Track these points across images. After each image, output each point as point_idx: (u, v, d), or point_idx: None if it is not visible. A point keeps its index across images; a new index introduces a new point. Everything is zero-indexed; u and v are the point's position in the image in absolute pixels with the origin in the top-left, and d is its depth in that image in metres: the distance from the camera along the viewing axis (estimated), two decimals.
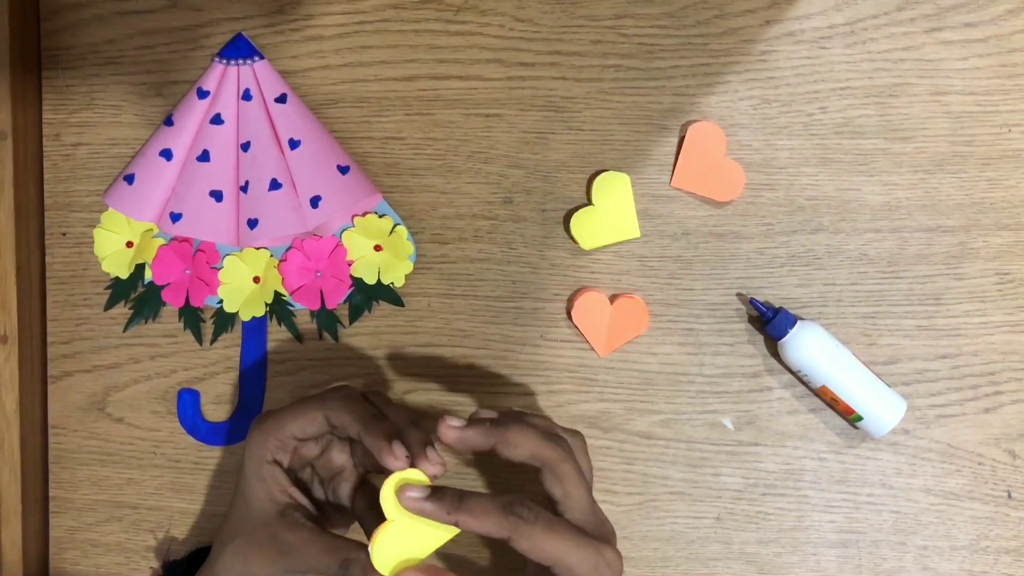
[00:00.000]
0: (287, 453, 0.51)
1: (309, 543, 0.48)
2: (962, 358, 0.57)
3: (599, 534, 0.45)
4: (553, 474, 0.45)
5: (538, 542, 0.43)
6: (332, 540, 0.48)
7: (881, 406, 0.55)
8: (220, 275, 0.60)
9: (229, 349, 0.62)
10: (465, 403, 0.60)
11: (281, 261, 0.60)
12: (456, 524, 0.43)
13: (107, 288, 0.63)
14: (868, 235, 0.57)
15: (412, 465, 0.45)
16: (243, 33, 0.61)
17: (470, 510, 0.43)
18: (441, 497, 0.44)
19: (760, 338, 0.58)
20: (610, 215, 0.58)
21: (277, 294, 0.61)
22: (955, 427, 0.57)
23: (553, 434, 0.47)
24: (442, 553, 0.55)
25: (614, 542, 0.46)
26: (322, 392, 0.52)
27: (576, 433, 0.49)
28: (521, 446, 0.45)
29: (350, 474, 0.53)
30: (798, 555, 0.58)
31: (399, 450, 0.45)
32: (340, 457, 0.53)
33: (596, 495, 0.59)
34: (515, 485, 0.60)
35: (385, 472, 0.45)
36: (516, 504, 0.43)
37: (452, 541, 0.45)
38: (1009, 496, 0.56)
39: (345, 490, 0.53)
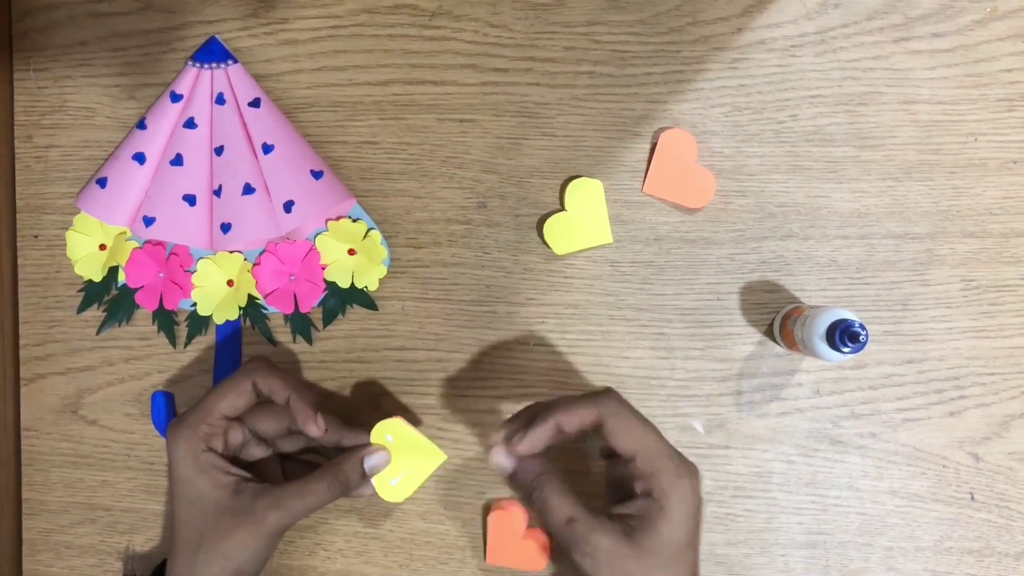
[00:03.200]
0: (219, 439, 0.52)
1: (286, 496, 0.50)
2: (928, 363, 0.58)
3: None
4: (608, 430, 0.47)
5: (626, 423, 0.47)
6: (305, 479, 0.51)
7: None
8: (194, 278, 0.60)
9: (203, 352, 0.62)
10: (438, 406, 0.60)
11: (255, 265, 0.60)
12: (559, 426, 0.47)
13: (80, 291, 0.62)
14: (837, 241, 0.58)
15: (302, 427, 0.52)
16: (217, 36, 0.60)
17: (564, 408, 0.48)
18: (534, 416, 0.48)
19: (730, 342, 0.58)
20: (583, 221, 0.58)
21: (251, 297, 0.61)
22: (921, 431, 0.58)
23: (595, 394, 0.49)
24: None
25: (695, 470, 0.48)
26: (241, 368, 0.53)
27: (607, 390, 0.50)
28: (570, 422, 0.48)
29: (272, 460, 0.55)
30: (767, 556, 0.58)
31: (321, 422, 0.52)
32: (258, 450, 0.55)
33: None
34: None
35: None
36: (603, 395, 0.48)
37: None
38: (972, 498, 0.57)
39: (271, 474, 0.55)
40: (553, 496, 0.47)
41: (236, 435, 0.53)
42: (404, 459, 0.52)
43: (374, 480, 0.52)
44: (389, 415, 0.59)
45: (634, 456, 0.47)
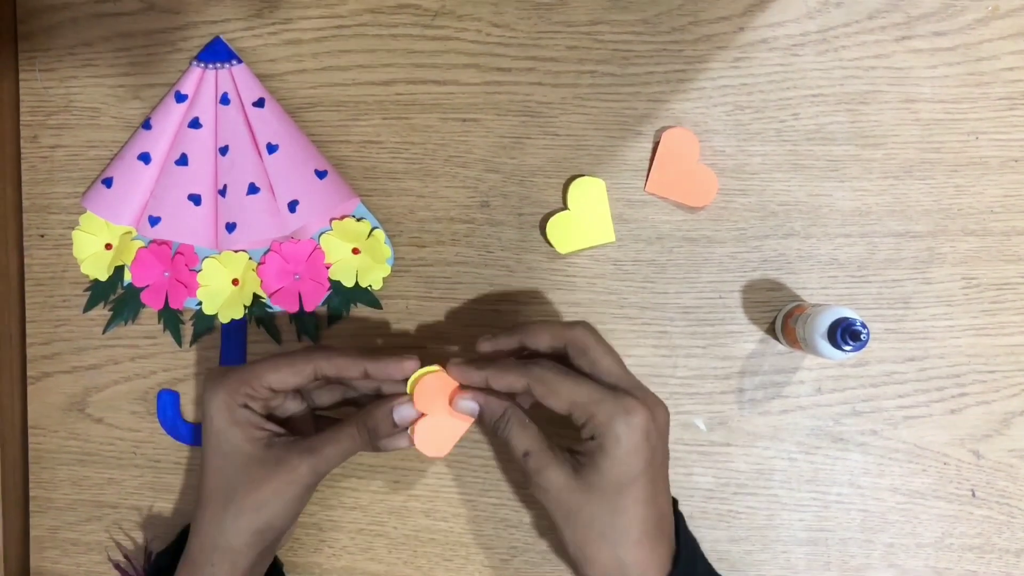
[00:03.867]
0: (258, 402, 0.51)
1: (319, 443, 0.50)
2: (929, 361, 0.58)
3: (629, 388, 0.49)
4: (577, 349, 0.50)
5: (553, 386, 0.48)
6: (338, 425, 0.51)
7: None
8: (199, 277, 0.61)
9: (209, 351, 0.62)
10: None
11: (260, 264, 0.60)
12: (487, 381, 0.50)
13: (86, 290, 0.63)
14: (839, 240, 0.58)
15: (397, 375, 0.51)
16: (221, 37, 0.61)
17: (496, 367, 0.50)
18: (474, 365, 0.51)
19: (732, 340, 0.59)
20: (586, 219, 0.59)
21: (256, 296, 0.61)
22: (922, 428, 0.58)
23: (567, 323, 0.51)
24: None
25: (647, 396, 0.49)
26: (302, 349, 0.53)
27: (583, 322, 0.51)
28: (542, 335, 0.51)
29: (306, 417, 0.56)
30: (768, 553, 0.59)
31: (408, 363, 0.51)
32: (293, 404, 0.54)
33: None
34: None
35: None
36: (532, 362, 0.50)
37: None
38: (973, 495, 0.58)
39: (303, 430, 0.55)
40: (514, 429, 0.49)
41: (276, 401, 0.53)
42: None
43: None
44: None
45: (571, 411, 0.48)
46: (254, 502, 0.49)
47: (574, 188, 0.58)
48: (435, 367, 0.51)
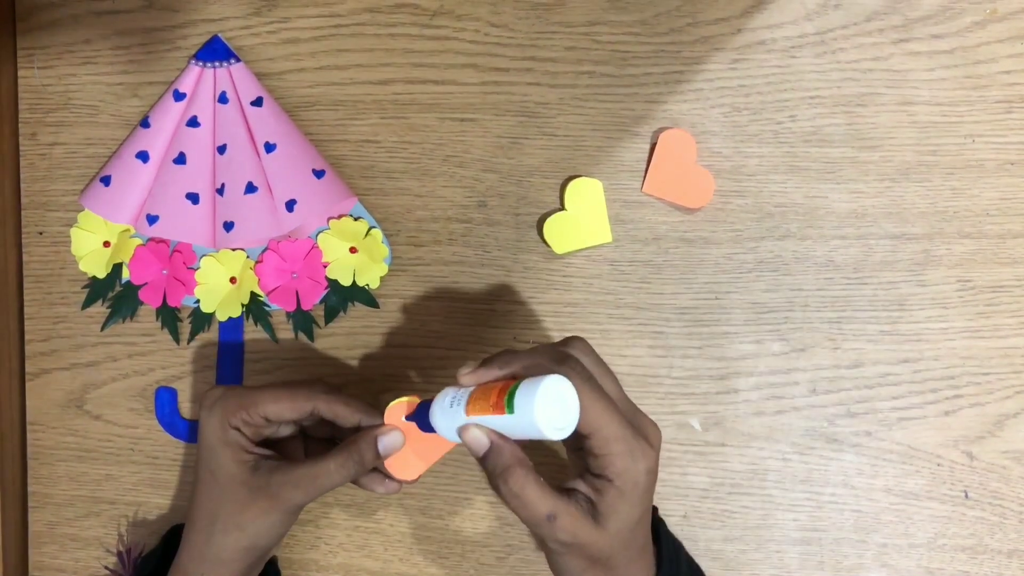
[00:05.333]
0: (250, 428, 0.52)
1: (300, 476, 0.50)
2: (923, 362, 0.58)
3: (633, 419, 0.46)
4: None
5: (589, 399, 0.43)
6: (320, 458, 0.50)
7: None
8: (197, 275, 0.61)
9: (206, 348, 0.63)
10: None
11: (257, 262, 0.61)
12: (512, 376, 0.45)
13: (84, 287, 0.63)
14: (835, 242, 0.58)
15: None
16: (219, 35, 0.61)
17: (525, 366, 0.45)
18: (493, 362, 0.46)
19: (728, 341, 0.59)
20: (583, 220, 0.59)
21: (253, 295, 0.61)
22: (916, 429, 0.58)
23: (563, 355, 0.45)
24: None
25: (647, 427, 0.47)
26: (302, 384, 0.52)
27: (575, 339, 0.48)
28: (541, 361, 0.45)
29: (295, 439, 0.56)
30: (762, 552, 0.59)
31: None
32: (284, 429, 0.55)
33: None
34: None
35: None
36: (567, 365, 0.44)
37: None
38: (966, 496, 0.58)
39: (293, 451, 0.55)
40: (531, 487, 0.44)
41: (268, 430, 0.53)
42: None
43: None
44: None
45: (589, 435, 0.44)
46: (238, 523, 0.50)
47: (571, 188, 0.59)
48: (408, 397, 0.51)
